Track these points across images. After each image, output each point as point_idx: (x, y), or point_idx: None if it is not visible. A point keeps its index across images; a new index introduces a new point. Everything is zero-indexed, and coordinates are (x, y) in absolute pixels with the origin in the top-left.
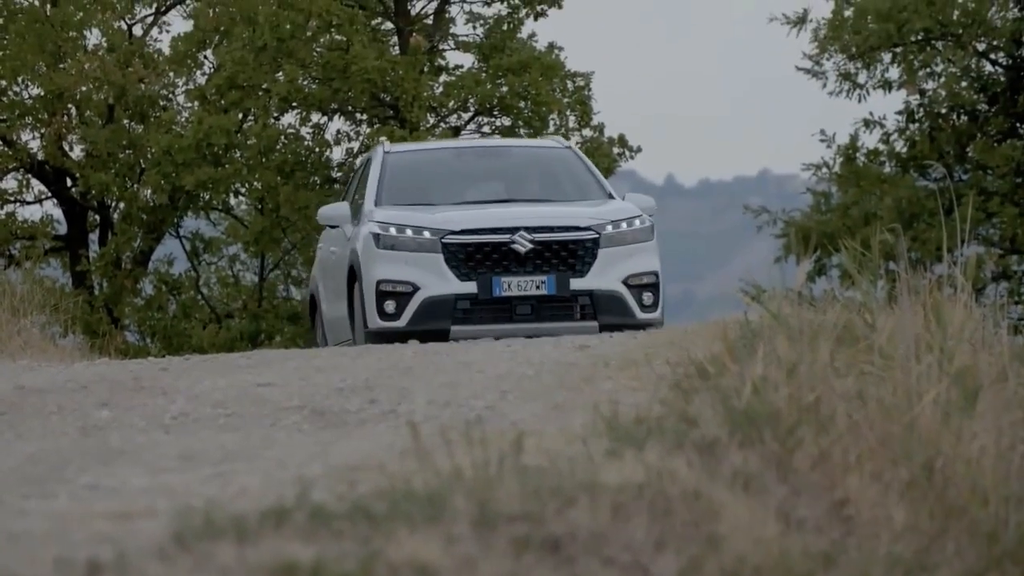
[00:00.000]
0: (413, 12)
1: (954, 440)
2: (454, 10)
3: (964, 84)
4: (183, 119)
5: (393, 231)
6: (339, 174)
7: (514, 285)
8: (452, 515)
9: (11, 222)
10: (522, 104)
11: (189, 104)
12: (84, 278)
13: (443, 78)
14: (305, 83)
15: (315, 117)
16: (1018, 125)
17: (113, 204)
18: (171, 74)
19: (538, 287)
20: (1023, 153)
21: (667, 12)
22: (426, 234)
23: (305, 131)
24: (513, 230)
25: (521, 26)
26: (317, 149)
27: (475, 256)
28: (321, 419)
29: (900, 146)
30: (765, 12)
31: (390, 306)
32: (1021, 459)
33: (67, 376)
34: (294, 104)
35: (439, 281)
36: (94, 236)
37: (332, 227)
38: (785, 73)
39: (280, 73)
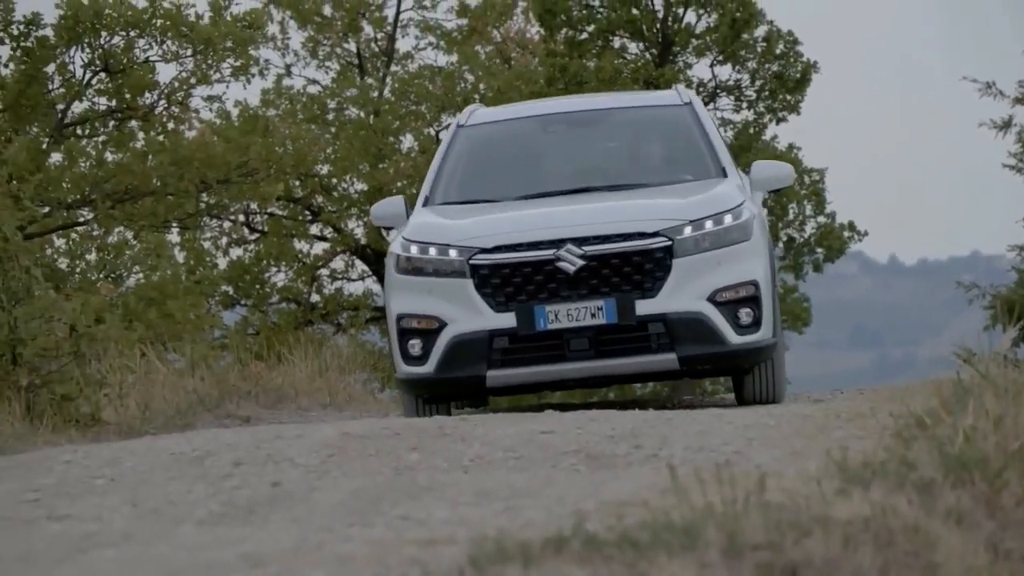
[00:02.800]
0: None
1: None
2: None
3: None
4: None
5: (415, 250)
6: None
7: (563, 315)
8: (705, 544)
9: (339, 296)
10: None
11: None
12: None
13: None
14: None
15: None
16: None
17: None
18: None
19: (594, 315)
20: None
21: (896, 113)
22: (452, 253)
23: None
24: (559, 243)
25: (765, 130)
26: None
27: (513, 280)
28: (594, 462)
29: None
30: (976, 116)
31: (415, 347)
32: None
33: (383, 425)
34: None
35: (469, 314)
36: None
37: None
38: (995, 167)
39: None
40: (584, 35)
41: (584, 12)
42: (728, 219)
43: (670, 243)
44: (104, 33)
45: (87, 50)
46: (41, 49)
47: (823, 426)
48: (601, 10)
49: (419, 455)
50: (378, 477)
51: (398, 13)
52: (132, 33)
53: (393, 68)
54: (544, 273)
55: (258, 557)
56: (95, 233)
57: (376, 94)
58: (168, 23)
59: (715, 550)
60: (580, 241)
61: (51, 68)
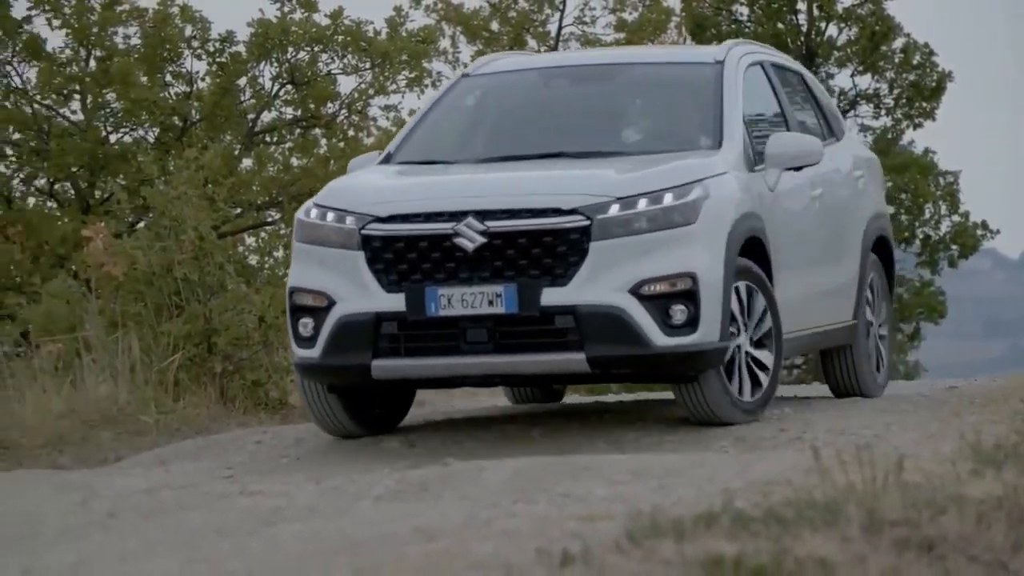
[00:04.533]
0: None
1: None
2: (849, 124)
3: None
4: None
5: (315, 215)
6: None
7: (457, 300)
8: (846, 520)
9: None
10: (903, 195)
11: None
12: None
13: None
14: None
15: None
16: None
17: None
18: None
19: (492, 302)
20: None
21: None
22: (348, 221)
23: None
24: (460, 215)
25: (902, 135)
26: None
27: (407, 256)
28: (742, 444)
29: None
30: None
31: (307, 327)
32: None
33: (546, 407)
34: None
35: (357, 292)
36: None
37: None
38: None
39: None
40: None
41: (733, 27)
42: (668, 198)
43: (588, 223)
44: (291, 49)
45: (275, 64)
46: (234, 64)
47: (958, 411)
48: (748, 24)
49: (581, 436)
50: (544, 458)
51: (560, 28)
52: (316, 48)
53: None
54: (441, 250)
55: (431, 531)
56: (282, 232)
57: None
58: (349, 39)
59: (855, 526)
60: (483, 215)
61: (243, 81)
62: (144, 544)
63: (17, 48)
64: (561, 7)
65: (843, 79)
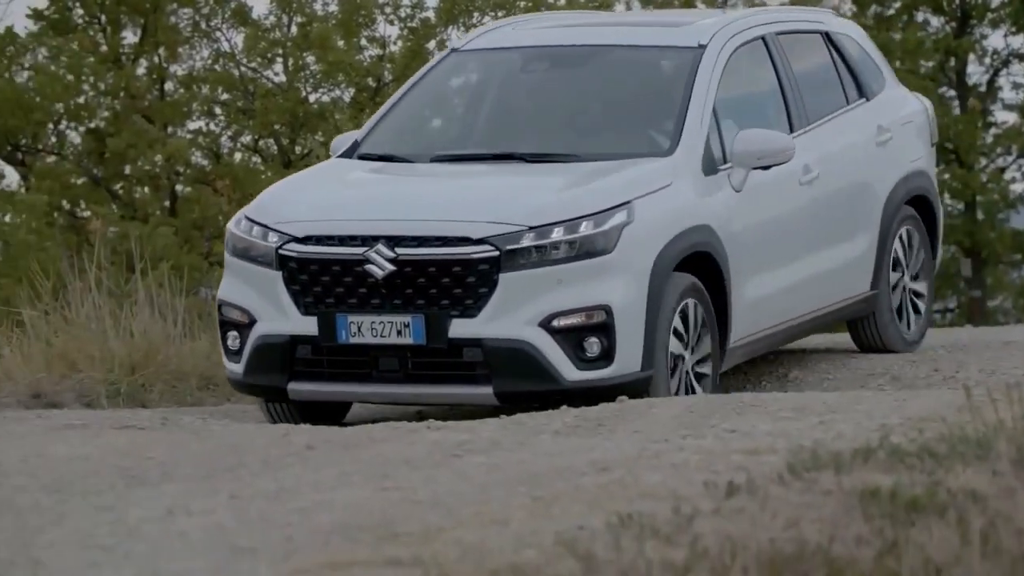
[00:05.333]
0: (970, 83)
1: None
2: (1002, 82)
3: None
4: None
5: (243, 227)
6: None
7: (367, 328)
8: (996, 455)
9: None
10: None
11: None
12: None
13: (992, 131)
14: None
15: None
16: None
17: None
18: None
19: (400, 332)
20: None
21: None
22: (271, 239)
23: None
24: (372, 240)
25: None
26: None
27: (321, 279)
28: (898, 383)
29: None
30: None
31: (234, 341)
32: None
33: None
34: None
35: (275, 313)
36: None
37: None
38: None
39: None
40: (891, 11)
41: None
42: (585, 226)
43: (497, 254)
44: (476, 14)
45: (462, 29)
46: (424, 28)
47: None
48: None
49: (744, 376)
50: (709, 395)
51: None
52: (501, 13)
53: None
54: (354, 275)
55: (605, 463)
56: None
57: None
58: (531, 4)
59: (1005, 460)
60: (394, 241)
61: (432, 44)
62: (339, 474)
63: (226, 15)
64: None
65: (997, 39)
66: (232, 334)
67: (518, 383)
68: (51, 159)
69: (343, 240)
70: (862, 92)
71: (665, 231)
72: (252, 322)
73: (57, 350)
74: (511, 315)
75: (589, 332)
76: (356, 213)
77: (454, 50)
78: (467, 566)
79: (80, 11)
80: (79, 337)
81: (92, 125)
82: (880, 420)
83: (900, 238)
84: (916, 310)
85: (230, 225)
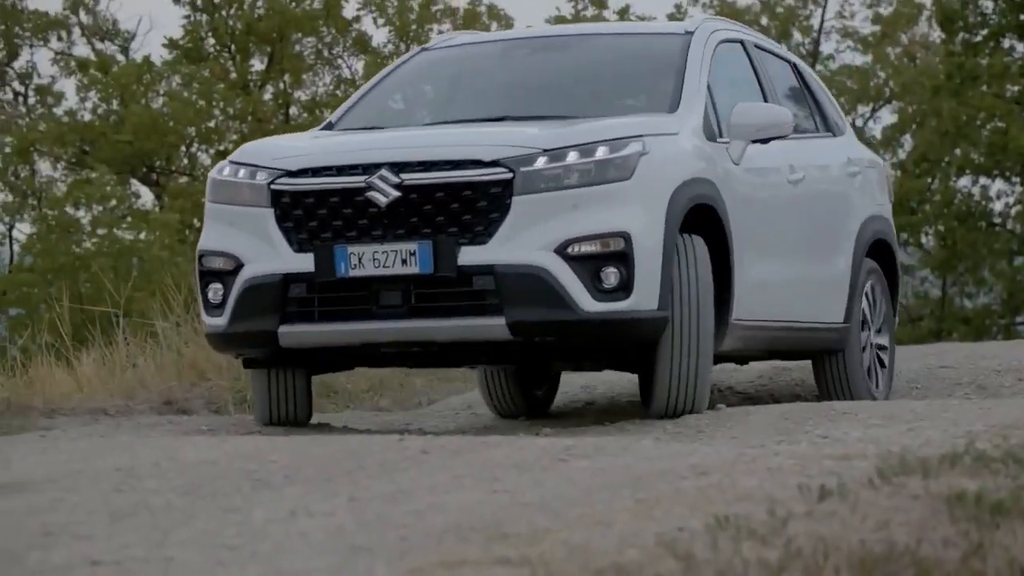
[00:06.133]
0: None
1: None
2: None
3: None
4: None
5: (227, 171)
6: (998, 220)
7: (368, 259)
8: None
9: None
10: None
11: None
12: None
13: None
14: (974, 157)
15: (982, 180)
16: None
17: None
18: None
19: (405, 261)
20: None
21: None
22: (259, 176)
23: (975, 190)
24: (373, 168)
25: None
26: (983, 203)
27: (317, 212)
28: (983, 391)
29: None
30: None
31: (217, 293)
32: None
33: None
34: (967, 171)
35: (266, 253)
36: None
37: None
38: None
39: (957, 150)
40: (979, 37)
41: (979, 18)
42: (601, 151)
43: (511, 175)
44: None
45: None
46: None
47: None
48: (993, 16)
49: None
50: (804, 403)
51: (822, 22)
52: None
53: (817, 68)
54: (353, 205)
55: (703, 467)
56: None
57: None
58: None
59: None
60: (399, 167)
61: None
62: (452, 477)
63: (347, 44)
64: (823, 2)
65: None
66: (215, 286)
67: (532, 312)
68: (183, 180)
69: (341, 170)
70: (828, 128)
71: (677, 171)
72: (238, 267)
73: (188, 360)
74: (525, 241)
75: (606, 261)
76: (354, 146)
77: (424, 49)
78: (573, 566)
79: (212, 41)
80: (208, 347)
81: (221, 147)
82: (966, 427)
83: (866, 295)
84: (881, 363)
85: (211, 174)
